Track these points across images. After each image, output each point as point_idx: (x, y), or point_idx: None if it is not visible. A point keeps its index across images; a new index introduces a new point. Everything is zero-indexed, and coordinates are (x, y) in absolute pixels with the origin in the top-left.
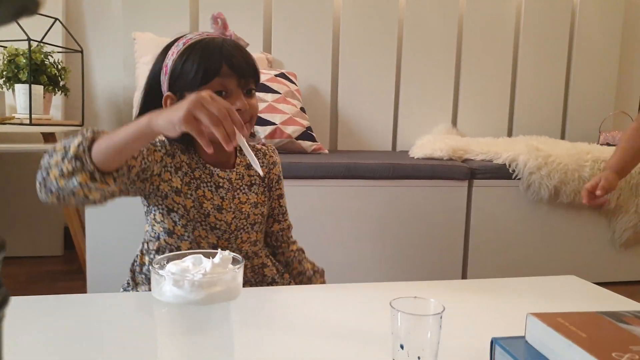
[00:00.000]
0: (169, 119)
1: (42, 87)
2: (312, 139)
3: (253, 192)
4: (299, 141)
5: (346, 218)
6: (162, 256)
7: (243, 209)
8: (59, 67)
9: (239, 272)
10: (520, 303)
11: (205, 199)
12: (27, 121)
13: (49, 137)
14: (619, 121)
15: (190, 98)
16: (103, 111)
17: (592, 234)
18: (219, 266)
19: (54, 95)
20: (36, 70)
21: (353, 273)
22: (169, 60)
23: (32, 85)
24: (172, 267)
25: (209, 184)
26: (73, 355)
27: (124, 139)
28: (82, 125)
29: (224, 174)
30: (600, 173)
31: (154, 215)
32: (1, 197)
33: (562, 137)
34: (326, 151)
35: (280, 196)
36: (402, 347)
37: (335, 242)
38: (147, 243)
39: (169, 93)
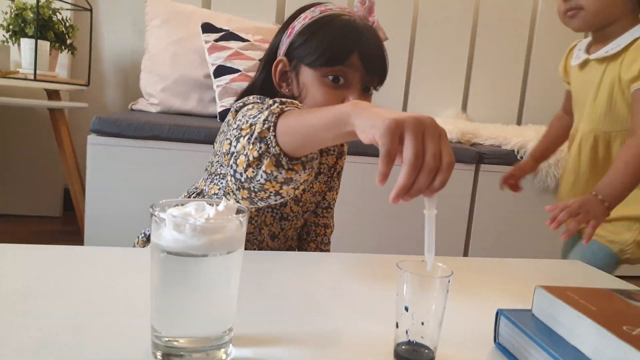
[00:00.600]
0: (372, 121)
1: (49, 43)
2: None
3: (318, 180)
4: None
5: (351, 197)
6: (163, 201)
7: (303, 197)
8: (67, 24)
9: (243, 222)
10: (525, 281)
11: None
12: (32, 76)
13: (53, 95)
14: None
15: (413, 115)
16: (110, 73)
17: None
18: (223, 214)
19: (61, 53)
20: (43, 26)
21: (356, 249)
22: (299, 24)
23: (39, 40)
24: (173, 210)
25: None
26: (64, 304)
27: (316, 124)
28: (87, 85)
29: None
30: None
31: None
32: (1, 153)
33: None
34: None
35: (330, 189)
36: (406, 309)
37: (341, 219)
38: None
39: (283, 57)
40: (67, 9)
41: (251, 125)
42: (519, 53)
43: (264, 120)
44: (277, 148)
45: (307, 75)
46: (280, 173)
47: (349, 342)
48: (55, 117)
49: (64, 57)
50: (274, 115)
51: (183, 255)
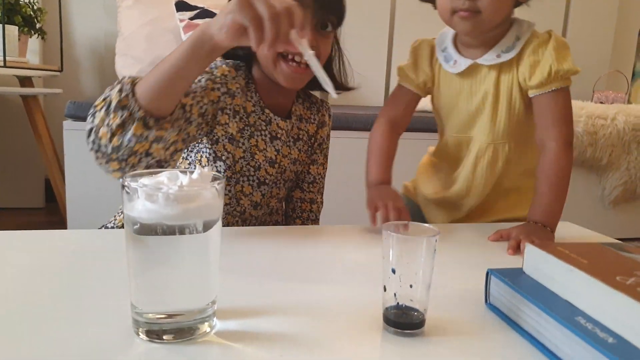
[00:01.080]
0: (223, 13)
1: (17, 28)
2: None
3: (297, 147)
4: None
5: (337, 169)
6: (134, 172)
7: (282, 163)
8: (35, 7)
9: (220, 190)
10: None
11: (258, 149)
12: (1, 63)
13: (25, 82)
14: (613, 80)
15: None
16: (83, 57)
17: (582, 191)
18: (198, 181)
19: (30, 38)
20: (10, 10)
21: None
22: None
23: (6, 25)
24: (145, 180)
25: (263, 133)
26: (43, 288)
27: (175, 62)
28: (61, 71)
29: (283, 124)
30: (376, 193)
31: (201, 157)
32: None
33: None
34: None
35: (313, 162)
36: (393, 271)
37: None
38: None
39: None
40: None
41: (104, 99)
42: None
43: (119, 90)
44: (141, 111)
45: None
46: (151, 132)
47: (338, 310)
48: (29, 104)
49: (34, 42)
50: (128, 84)
51: (158, 227)
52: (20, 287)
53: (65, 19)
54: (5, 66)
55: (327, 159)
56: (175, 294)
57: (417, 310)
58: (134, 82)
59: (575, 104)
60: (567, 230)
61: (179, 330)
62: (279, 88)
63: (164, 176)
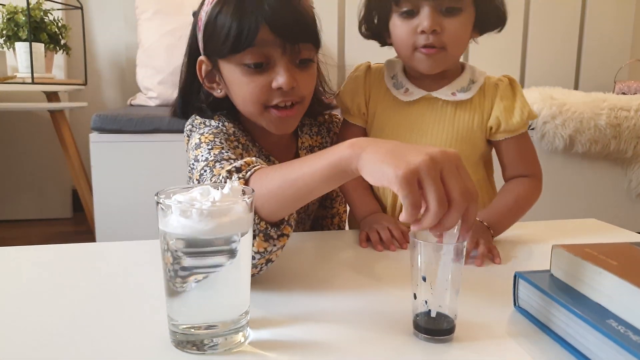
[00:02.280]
0: (381, 168)
1: (43, 45)
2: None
3: None
4: None
5: None
6: (167, 188)
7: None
8: (59, 24)
9: (250, 204)
10: (539, 243)
11: None
12: (29, 80)
13: (52, 97)
14: (635, 70)
15: (424, 156)
16: (106, 70)
17: (608, 184)
18: (229, 196)
19: (56, 54)
20: (36, 28)
21: None
22: (203, 11)
23: (33, 43)
24: (179, 197)
25: None
26: (80, 301)
27: (307, 180)
28: (85, 84)
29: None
30: (372, 219)
31: None
32: (6, 159)
33: (576, 88)
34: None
35: None
36: (424, 279)
37: None
38: None
39: (202, 57)
40: (57, 9)
41: None
42: (517, 14)
43: None
44: (262, 224)
45: (227, 69)
46: (275, 245)
47: (367, 318)
48: (56, 118)
49: (59, 58)
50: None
51: (192, 242)
52: (55, 302)
53: (88, 34)
54: (33, 82)
55: None
56: (210, 306)
57: (447, 317)
58: (245, 182)
59: (597, 96)
60: (592, 228)
61: (214, 341)
62: (275, 137)
63: (196, 192)
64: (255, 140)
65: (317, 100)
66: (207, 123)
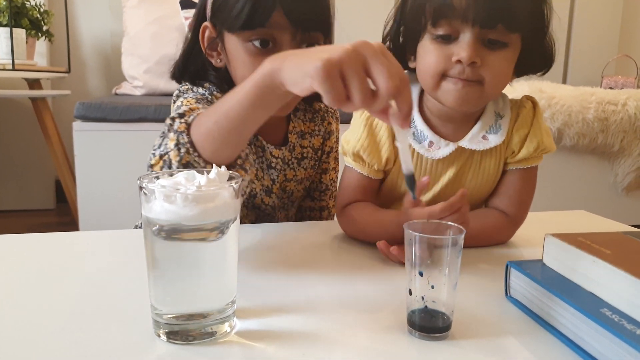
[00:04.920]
0: (301, 68)
1: (24, 31)
2: None
3: (302, 167)
4: None
5: None
6: (150, 173)
7: (287, 187)
8: (41, 10)
9: (237, 189)
10: (529, 233)
11: (257, 178)
12: (10, 66)
13: (34, 84)
14: (622, 65)
15: (346, 46)
16: (90, 58)
17: (595, 177)
18: (215, 181)
19: (37, 40)
20: (17, 13)
21: None
22: None
23: (14, 28)
24: (162, 181)
25: (259, 161)
26: (62, 290)
27: (237, 108)
28: (69, 72)
29: (278, 152)
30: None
31: None
32: None
33: (564, 82)
34: None
35: (324, 171)
36: (421, 274)
37: None
38: None
39: (207, 23)
40: None
41: (161, 156)
42: None
43: (176, 145)
44: (209, 167)
45: (232, 43)
46: None
47: (359, 310)
48: (38, 106)
49: (41, 44)
50: (185, 134)
51: (177, 228)
52: (38, 290)
53: (72, 21)
54: (14, 69)
55: (338, 161)
56: (195, 294)
57: (443, 313)
58: (188, 129)
59: (585, 90)
60: (582, 219)
61: (199, 331)
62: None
63: (181, 176)
64: None
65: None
66: (195, 90)
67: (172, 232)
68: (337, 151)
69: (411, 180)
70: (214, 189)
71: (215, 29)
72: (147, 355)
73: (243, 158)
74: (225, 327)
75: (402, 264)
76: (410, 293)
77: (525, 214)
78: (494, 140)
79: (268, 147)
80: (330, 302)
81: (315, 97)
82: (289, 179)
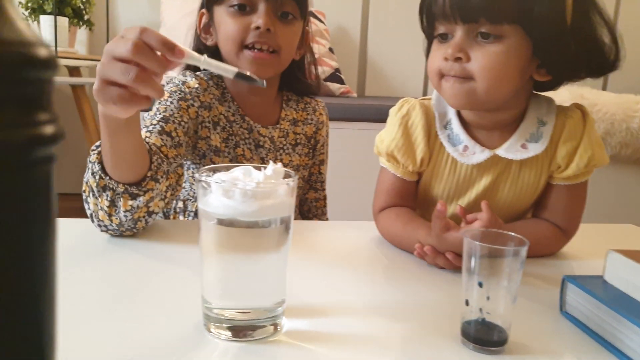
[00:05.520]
0: (100, 100)
1: (67, 19)
2: (341, 82)
3: (297, 152)
4: (327, 83)
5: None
6: (206, 167)
7: None
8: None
9: (293, 187)
10: (579, 246)
11: (245, 158)
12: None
13: (74, 72)
14: None
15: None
16: None
17: (637, 188)
18: (272, 178)
19: (79, 29)
20: (61, 2)
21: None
22: None
23: (57, 17)
24: (221, 175)
25: (247, 141)
26: (107, 279)
27: (107, 141)
28: None
29: (265, 131)
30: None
31: (193, 173)
32: None
33: (604, 89)
34: (355, 95)
35: (322, 162)
36: (480, 285)
37: (363, 184)
38: (185, 202)
39: (203, 10)
40: None
41: (86, 182)
42: None
43: (92, 173)
44: (120, 186)
45: (218, 15)
46: (139, 200)
47: (411, 313)
48: (77, 94)
49: (81, 33)
50: (96, 163)
51: (234, 223)
52: (85, 280)
53: (112, 10)
54: (56, 57)
55: (328, 154)
56: (248, 290)
57: (499, 327)
58: (99, 158)
59: (629, 97)
60: (630, 233)
61: (249, 328)
62: (255, 92)
63: (238, 171)
64: (234, 99)
65: (302, 79)
66: (173, 80)
67: (228, 226)
68: (328, 145)
69: (241, 75)
70: (272, 185)
71: (208, 12)
72: (196, 350)
73: (153, 169)
74: (275, 326)
75: (439, 266)
76: (467, 304)
77: (577, 227)
78: (534, 149)
79: (255, 127)
80: (382, 304)
81: (302, 91)
82: (284, 163)
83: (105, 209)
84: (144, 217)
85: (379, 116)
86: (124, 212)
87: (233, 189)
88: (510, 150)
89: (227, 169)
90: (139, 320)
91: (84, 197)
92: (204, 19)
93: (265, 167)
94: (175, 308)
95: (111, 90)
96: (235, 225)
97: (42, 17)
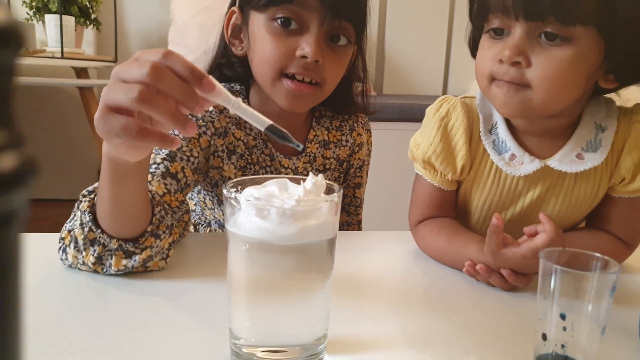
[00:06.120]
0: (104, 138)
1: (73, 18)
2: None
3: (326, 178)
4: None
5: (396, 162)
6: (235, 180)
7: None
8: None
9: (338, 203)
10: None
11: None
12: (59, 54)
13: (81, 73)
14: None
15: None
16: (136, 48)
17: None
18: (312, 193)
19: (86, 28)
20: (67, 1)
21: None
22: None
23: (63, 16)
24: (253, 191)
25: (268, 169)
26: (131, 301)
27: (105, 189)
28: (115, 61)
29: (287, 162)
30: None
31: (204, 198)
32: (32, 135)
33: None
34: (374, 93)
35: (358, 186)
36: (562, 317)
37: (384, 186)
38: (196, 227)
39: (235, 7)
40: None
41: (70, 231)
42: None
43: (80, 224)
44: (114, 241)
45: (256, 23)
46: (134, 260)
47: (463, 346)
48: (85, 96)
49: (89, 33)
50: (87, 213)
51: (269, 247)
52: (108, 300)
53: (120, 9)
54: (63, 57)
55: (367, 175)
56: (285, 325)
57: None
58: (92, 208)
59: None
60: None
61: None
62: (284, 115)
63: (272, 185)
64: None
65: (349, 99)
66: None
67: (262, 251)
68: (369, 164)
69: (274, 131)
70: (313, 203)
71: (242, 13)
72: None
73: (155, 223)
74: None
75: (491, 285)
76: (545, 338)
77: None
78: (592, 159)
79: (277, 156)
80: (434, 336)
81: (342, 104)
82: None
83: (90, 265)
84: (141, 271)
85: (400, 115)
86: (116, 270)
87: (268, 208)
88: (564, 161)
89: (258, 182)
90: (158, 351)
91: (60, 244)
92: (233, 19)
93: (304, 180)
94: (197, 344)
95: (113, 119)
96: (271, 250)
97: (47, 17)
